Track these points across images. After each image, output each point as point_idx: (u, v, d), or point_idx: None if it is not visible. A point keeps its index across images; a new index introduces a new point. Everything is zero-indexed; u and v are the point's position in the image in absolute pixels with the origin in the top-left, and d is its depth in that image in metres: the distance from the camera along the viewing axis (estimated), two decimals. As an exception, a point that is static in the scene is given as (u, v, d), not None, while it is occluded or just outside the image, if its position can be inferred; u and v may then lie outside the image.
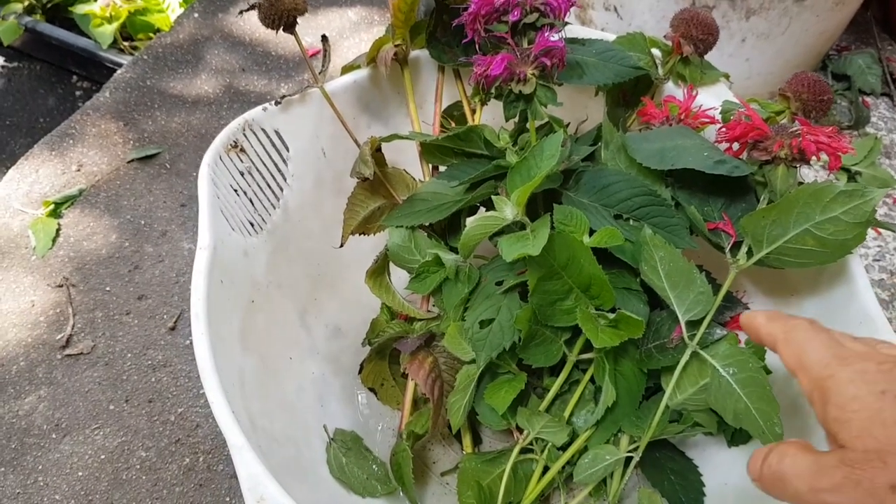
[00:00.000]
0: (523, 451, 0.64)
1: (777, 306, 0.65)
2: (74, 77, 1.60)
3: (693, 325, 0.56)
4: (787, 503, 0.39)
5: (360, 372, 0.72)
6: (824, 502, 0.37)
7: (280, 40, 1.29)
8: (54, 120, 1.53)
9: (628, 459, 0.60)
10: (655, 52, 0.69)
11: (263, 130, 0.68)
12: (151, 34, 1.45)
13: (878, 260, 0.96)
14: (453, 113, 0.74)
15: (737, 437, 0.64)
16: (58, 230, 1.00)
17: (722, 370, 0.54)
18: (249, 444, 0.49)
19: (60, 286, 0.94)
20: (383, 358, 0.72)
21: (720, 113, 0.64)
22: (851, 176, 0.60)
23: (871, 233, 1.00)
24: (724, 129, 0.57)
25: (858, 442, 0.36)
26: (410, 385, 0.69)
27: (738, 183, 0.58)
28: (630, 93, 0.70)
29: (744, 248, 0.55)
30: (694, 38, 0.65)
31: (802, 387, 0.41)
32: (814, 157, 0.54)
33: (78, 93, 1.59)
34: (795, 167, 0.55)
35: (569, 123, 0.70)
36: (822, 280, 0.59)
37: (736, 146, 0.58)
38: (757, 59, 1.07)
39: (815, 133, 0.54)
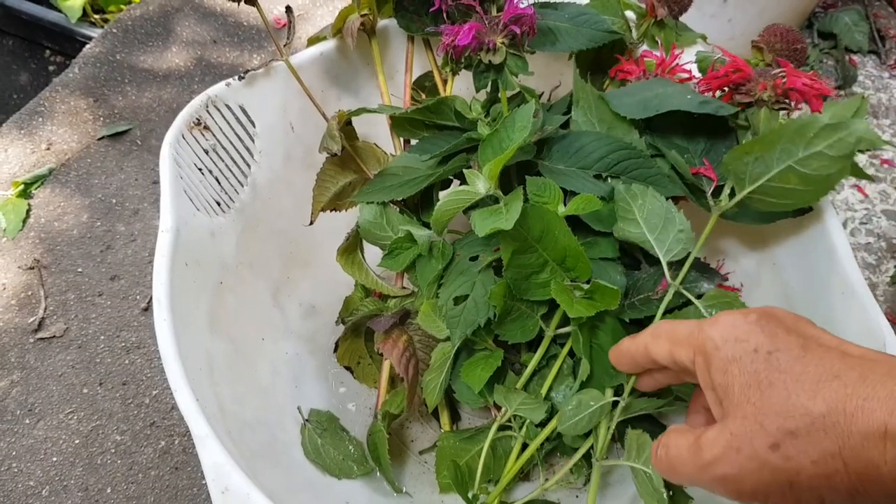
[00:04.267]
0: (502, 428, 0.63)
1: (759, 276, 0.64)
2: (47, 52, 1.56)
3: (676, 266, 0.55)
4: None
5: (335, 350, 0.71)
6: (715, 476, 0.37)
7: (252, 10, 1.25)
8: (28, 96, 1.49)
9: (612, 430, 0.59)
10: (629, 14, 0.66)
11: (228, 106, 0.65)
12: (123, 6, 1.41)
13: (864, 223, 0.95)
14: (425, 84, 0.72)
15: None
16: (28, 211, 0.97)
17: (705, 312, 0.53)
18: (214, 432, 0.48)
19: (31, 268, 0.92)
20: (359, 335, 0.71)
21: (696, 63, 0.62)
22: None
23: (857, 195, 0.99)
24: (705, 79, 0.57)
25: (738, 410, 0.36)
26: (386, 363, 0.68)
27: (719, 126, 0.57)
28: (606, 58, 0.68)
29: (726, 190, 0.55)
30: (668, 1, 0.63)
31: (682, 362, 0.41)
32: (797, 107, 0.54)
33: (52, 68, 1.55)
34: (778, 111, 0.54)
35: (542, 93, 0.68)
36: (804, 250, 0.58)
37: (719, 94, 0.57)
38: (740, 18, 1.04)
39: (797, 74, 0.53)
